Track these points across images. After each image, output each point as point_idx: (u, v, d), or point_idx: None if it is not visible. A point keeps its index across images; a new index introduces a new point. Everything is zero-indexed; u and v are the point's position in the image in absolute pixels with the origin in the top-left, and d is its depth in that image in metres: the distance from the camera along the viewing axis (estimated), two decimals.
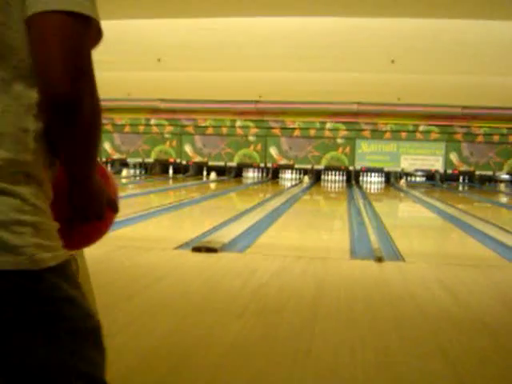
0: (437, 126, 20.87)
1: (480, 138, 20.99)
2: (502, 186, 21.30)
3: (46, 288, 1.16)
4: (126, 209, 10.69)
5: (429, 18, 7.03)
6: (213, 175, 21.36)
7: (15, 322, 1.13)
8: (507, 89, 15.15)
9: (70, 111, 1.14)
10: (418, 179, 22.45)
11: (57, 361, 1.16)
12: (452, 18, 7.15)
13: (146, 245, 6.74)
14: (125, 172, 22.03)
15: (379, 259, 6.08)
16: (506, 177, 21.73)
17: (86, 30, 1.17)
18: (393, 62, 10.41)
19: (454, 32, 9.08)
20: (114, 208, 1.51)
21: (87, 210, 1.36)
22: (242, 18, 8.24)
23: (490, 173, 21.30)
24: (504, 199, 18.25)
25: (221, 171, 21.72)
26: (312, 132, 21.10)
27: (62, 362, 1.17)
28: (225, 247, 6.51)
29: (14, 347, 1.12)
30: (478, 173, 21.32)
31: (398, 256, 6.63)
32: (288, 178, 21.75)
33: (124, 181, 19.98)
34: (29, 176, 1.16)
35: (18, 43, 1.14)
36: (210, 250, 6.22)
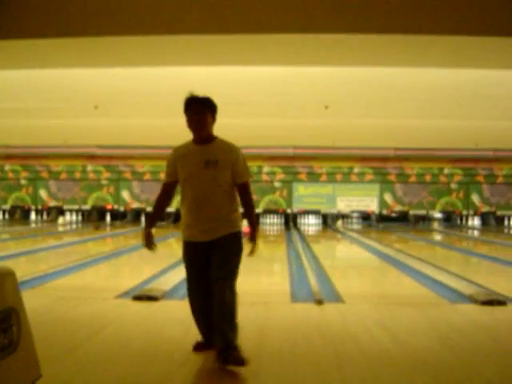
0: (371, 167, 21.43)
1: (413, 179, 21.61)
2: (436, 225, 21.90)
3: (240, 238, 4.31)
4: (63, 258, 10.51)
5: (362, 66, 7.33)
6: None
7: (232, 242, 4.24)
8: (436, 131, 15.74)
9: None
10: (354, 220, 22.82)
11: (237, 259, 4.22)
12: (384, 65, 7.48)
13: (86, 294, 6.67)
14: (61, 219, 21.67)
15: (319, 302, 6.19)
16: (438, 215, 22.37)
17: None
18: (326, 107, 10.71)
19: (384, 78, 9.43)
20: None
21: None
22: (178, 67, 8.38)
23: (423, 212, 21.89)
24: (437, 237, 18.76)
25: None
26: None
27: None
28: (166, 295, 6.49)
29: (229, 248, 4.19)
30: (411, 212, 21.87)
31: (337, 297, 6.75)
32: None
33: (61, 228, 19.63)
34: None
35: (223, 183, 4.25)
36: (151, 298, 6.20)
